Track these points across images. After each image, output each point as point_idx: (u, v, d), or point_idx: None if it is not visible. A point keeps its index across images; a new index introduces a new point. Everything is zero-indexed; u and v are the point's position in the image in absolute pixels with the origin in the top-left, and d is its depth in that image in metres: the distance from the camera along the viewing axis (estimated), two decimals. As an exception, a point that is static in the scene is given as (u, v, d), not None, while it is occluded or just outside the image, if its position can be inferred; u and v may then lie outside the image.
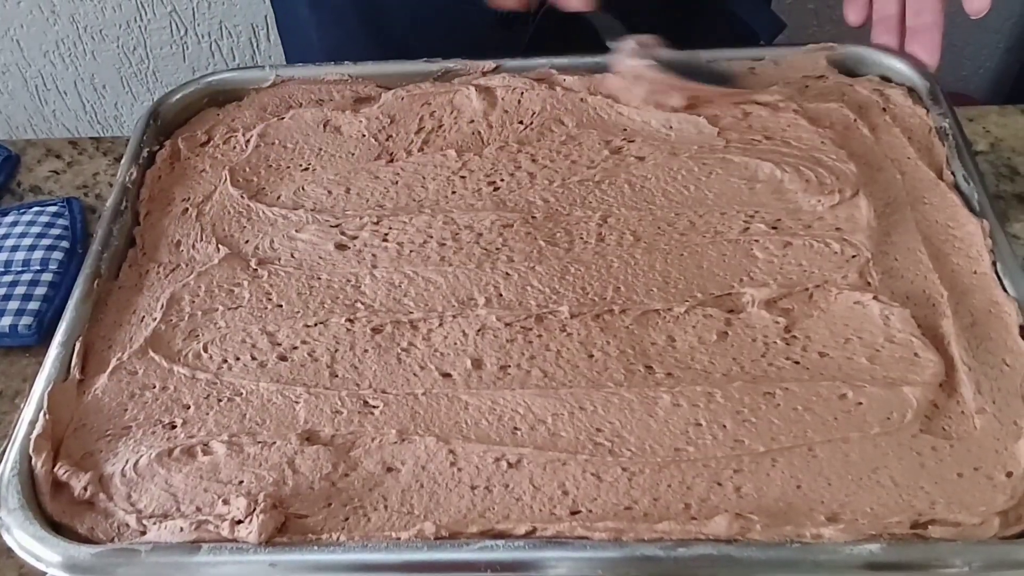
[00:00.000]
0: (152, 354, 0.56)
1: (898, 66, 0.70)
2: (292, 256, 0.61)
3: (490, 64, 0.72)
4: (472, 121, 0.69)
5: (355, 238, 0.62)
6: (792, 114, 0.67)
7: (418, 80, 0.73)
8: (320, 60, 0.76)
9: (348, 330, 0.57)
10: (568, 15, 0.76)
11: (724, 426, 0.51)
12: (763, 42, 0.83)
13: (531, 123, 0.68)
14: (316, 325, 0.57)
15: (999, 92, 1.66)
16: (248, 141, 0.69)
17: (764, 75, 0.71)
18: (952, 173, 0.63)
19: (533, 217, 0.62)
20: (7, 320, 0.66)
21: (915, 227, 0.60)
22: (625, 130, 0.67)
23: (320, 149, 0.69)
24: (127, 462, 0.51)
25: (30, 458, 0.51)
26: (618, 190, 0.63)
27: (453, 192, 0.64)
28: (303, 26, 0.90)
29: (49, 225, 0.73)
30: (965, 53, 1.63)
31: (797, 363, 0.54)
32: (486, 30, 0.78)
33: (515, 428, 0.52)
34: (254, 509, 0.48)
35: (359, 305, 0.58)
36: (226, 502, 0.49)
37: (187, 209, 0.66)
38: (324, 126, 0.70)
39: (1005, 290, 0.56)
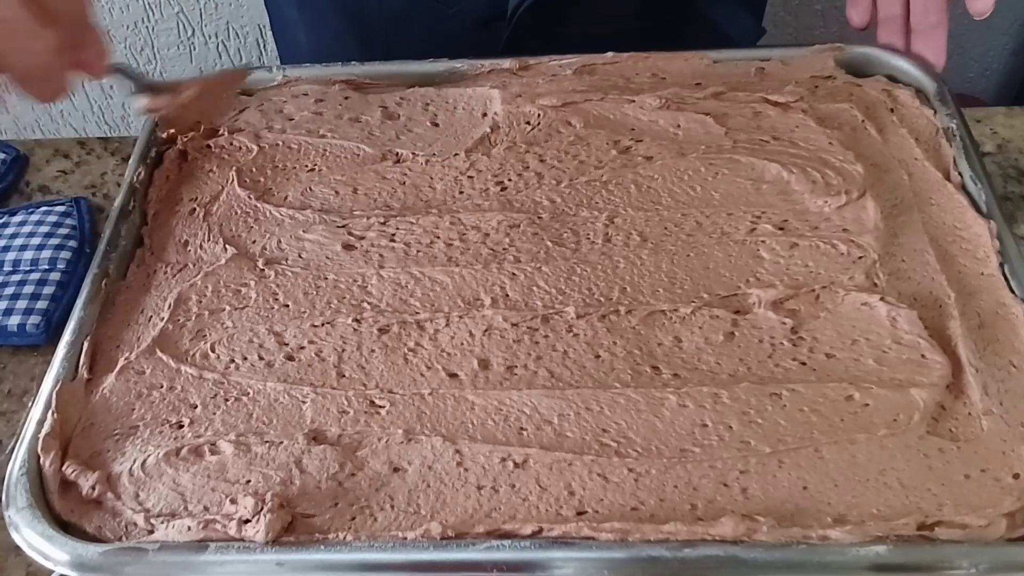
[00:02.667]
0: (160, 354, 0.56)
1: (905, 67, 0.70)
2: (299, 256, 0.62)
3: (492, 64, 0.72)
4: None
5: (362, 238, 0.62)
6: (801, 115, 0.67)
7: (424, 81, 0.73)
8: (307, 61, 0.76)
9: (355, 330, 0.57)
10: (547, 16, 0.76)
11: (730, 427, 0.51)
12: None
13: (539, 123, 0.68)
14: (323, 325, 0.57)
15: (1006, 94, 1.65)
16: (255, 142, 0.69)
17: (772, 75, 0.71)
18: (959, 174, 0.63)
19: (540, 217, 0.62)
20: (15, 319, 0.66)
21: (922, 228, 0.60)
22: (633, 130, 0.67)
23: (326, 150, 0.69)
24: (135, 461, 0.51)
25: (38, 457, 0.51)
26: (625, 190, 0.63)
27: (460, 192, 0.64)
28: (292, 27, 0.90)
29: (57, 225, 0.73)
30: (972, 55, 1.63)
31: (804, 364, 0.54)
32: (465, 30, 0.79)
33: (521, 428, 0.52)
34: (261, 508, 0.48)
35: (366, 305, 0.58)
36: (233, 501, 0.49)
37: (195, 209, 0.66)
38: (329, 127, 0.70)
39: (1012, 291, 0.56)
